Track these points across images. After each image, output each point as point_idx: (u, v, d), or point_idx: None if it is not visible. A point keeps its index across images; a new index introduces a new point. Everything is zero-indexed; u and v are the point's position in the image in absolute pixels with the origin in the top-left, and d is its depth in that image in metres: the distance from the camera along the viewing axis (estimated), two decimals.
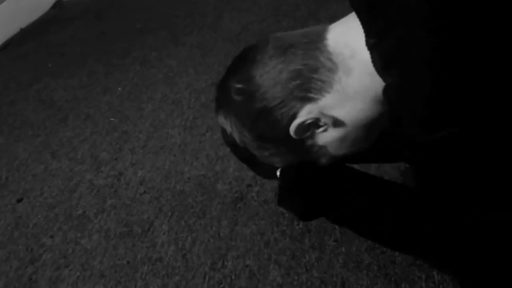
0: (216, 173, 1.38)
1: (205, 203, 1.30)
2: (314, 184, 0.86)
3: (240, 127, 0.79)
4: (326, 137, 0.78)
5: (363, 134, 0.77)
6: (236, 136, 0.81)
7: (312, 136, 0.78)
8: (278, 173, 0.90)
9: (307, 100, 0.73)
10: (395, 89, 0.63)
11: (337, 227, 1.15)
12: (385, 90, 0.65)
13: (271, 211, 1.22)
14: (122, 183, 1.44)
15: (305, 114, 0.74)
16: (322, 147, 0.79)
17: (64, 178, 1.51)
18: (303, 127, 0.75)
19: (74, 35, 2.47)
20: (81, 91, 1.98)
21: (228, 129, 0.82)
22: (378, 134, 0.81)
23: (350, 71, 0.71)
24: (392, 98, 0.64)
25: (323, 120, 0.75)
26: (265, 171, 0.93)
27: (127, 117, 1.74)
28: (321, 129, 0.77)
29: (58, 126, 1.77)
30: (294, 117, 0.75)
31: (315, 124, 0.76)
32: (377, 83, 0.67)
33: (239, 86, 0.77)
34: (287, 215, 1.20)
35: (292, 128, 0.75)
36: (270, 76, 0.73)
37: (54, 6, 2.88)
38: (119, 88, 1.93)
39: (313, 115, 0.74)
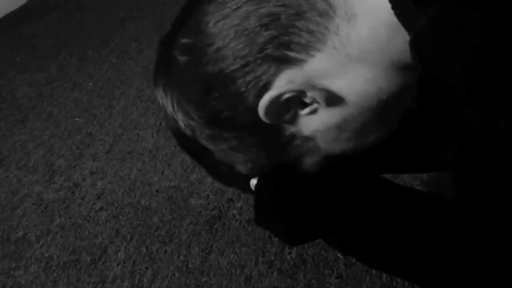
0: (190, 184, 1.10)
1: (173, 223, 1.02)
2: (303, 199, 0.57)
3: (185, 103, 0.52)
4: (315, 122, 0.50)
5: (373, 119, 0.49)
6: (179, 118, 0.53)
7: (294, 120, 0.50)
8: (252, 183, 0.61)
9: (285, 62, 0.46)
10: (439, 40, 0.34)
11: (341, 256, 0.86)
12: (416, 43, 0.37)
13: (256, 235, 0.94)
14: (76, 197, 1.16)
15: (282, 84, 0.47)
16: (309, 139, 0.52)
17: (8, 191, 1.23)
18: (278, 104, 0.48)
19: (50, 26, 2.21)
20: (48, 87, 1.71)
21: (169, 108, 0.54)
22: (399, 121, 0.53)
23: (354, 18, 0.43)
24: (430, 54, 0.36)
25: (310, 95, 0.47)
26: (228, 177, 0.64)
27: (95, 116, 1.47)
28: (307, 109, 0.49)
29: (14, 128, 1.50)
30: (265, 88, 0.47)
31: (297, 100, 0.48)
32: (398, 38, 0.40)
33: (185, 41, 0.50)
34: (277, 239, 0.91)
35: (262, 105, 0.48)
36: (230, 22, 0.46)
37: None
38: (90, 84, 1.66)
39: (295, 86, 0.47)
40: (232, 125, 0.51)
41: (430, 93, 0.42)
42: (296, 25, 0.44)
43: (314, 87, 0.46)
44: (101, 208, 1.12)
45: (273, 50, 0.45)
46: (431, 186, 1.02)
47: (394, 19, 0.39)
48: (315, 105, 0.48)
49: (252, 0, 0.45)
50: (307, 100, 0.48)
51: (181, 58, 0.50)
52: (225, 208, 1.02)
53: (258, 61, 0.46)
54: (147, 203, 1.09)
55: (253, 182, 0.59)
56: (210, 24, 0.47)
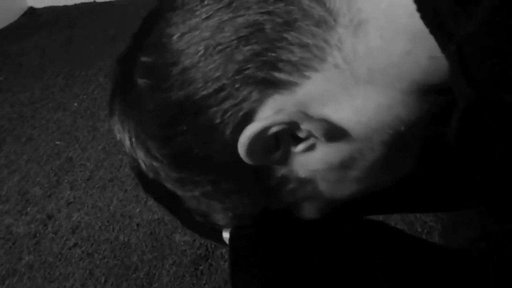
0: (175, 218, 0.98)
1: (154, 264, 0.90)
2: (289, 254, 0.46)
3: (146, 138, 0.40)
4: (313, 160, 0.39)
5: (389, 155, 0.38)
6: (140, 157, 0.42)
7: (285, 159, 0.39)
8: (225, 235, 0.49)
9: (272, 85, 0.35)
10: (498, 51, 0.23)
11: None
12: (461, 55, 0.26)
13: None
14: (48, 231, 1.04)
15: (269, 114, 0.36)
16: (306, 181, 0.40)
17: None
18: (264, 140, 0.37)
19: (38, 44, 2.11)
20: (30, 107, 1.60)
21: (127, 143, 0.42)
22: (421, 158, 0.41)
23: (362, 26, 0.32)
24: (484, 71, 0.25)
25: (305, 127, 0.36)
26: (202, 229, 0.52)
27: (77, 139, 1.36)
28: (302, 146, 0.38)
29: None
30: (246, 119, 0.36)
31: (289, 134, 0.37)
32: (421, 51, 0.30)
33: (145, 59, 0.38)
34: None
35: (243, 142, 0.36)
36: (199, 35, 0.36)
37: (25, 14, 2.54)
38: (75, 104, 1.55)
39: (286, 116, 0.36)
40: (205, 166, 0.40)
41: (478, 124, 0.30)
42: (285, 38, 0.34)
43: (310, 118, 0.35)
44: (75, 245, 1.00)
45: (255, 71, 0.35)
46: (446, 222, 0.90)
47: (417, 26, 0.28)
48: (311, 140, 0.37)
49: (227, 7, 0.34)
50: (301, 135, 0.36)
51: (141, 81, 0.38)
52: (213, 246, 0.90)
53: (237, 85, 0.35)
54: (126, 239, 0.97)
55: (226, 235, 0.48)
56: (175, 38, 0.36)
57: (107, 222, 1.03)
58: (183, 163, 0.40)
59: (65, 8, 2.49)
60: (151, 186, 0.44)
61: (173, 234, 0.95)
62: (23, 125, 1.50)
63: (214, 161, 0.38)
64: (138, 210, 1.04)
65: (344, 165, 0.38)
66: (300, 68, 0.34)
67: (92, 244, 0.99)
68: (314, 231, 0.48)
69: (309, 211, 0.44)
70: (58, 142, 1.37)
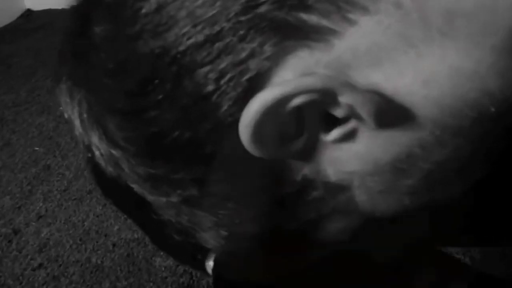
0: (144, 234, 0.84)
1: None
2: None
3: (102, 114, 0.27)
4: (351, 156, 0.26)
5: (465, 153, 0.26)
6: (94, 143, 0.29)
7: (309, 151, 0.26)
8: (209, 264, 0.35)
9: (297, 33, 0.23)
10: None
11: None
12: None
13: None
14: (12, 248, 0.91)
15: (290, 77, 0.24)
16: (338, 188, 0.27)
17: None
18: (280, 119, 0.24)
19: (31, 46, 2.01)
20: (13, 110, 1.48)
21: (76, 121, 0.29)
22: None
23: None
24: None
25: (345, 101, 0.23)
26: (180, 251, 0.38)
27: (58, 145, 1.23)
28: (337, 131, 0.25)
29: None
30: (254, 86, 0.24)
31: (319, 111, 0.24)
32: None
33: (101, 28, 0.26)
34: None
35: (247, 122, 0.24)
36: None
37: (22, 15, 2.45)
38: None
39: (316, 81, 0.23)
40: (189, 158, 0.27)
41: None
42: None
43: (353, 87, 0.23)
44: (40, 265, 0.86)
45: (271, 8, 0.23)
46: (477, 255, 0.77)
47: None
48: (352, 124, 0.24)
49: None
50: (337, 113, 0.24)
51: (98, 29, 0.26)
52: (198, 275, 0.75)
53: (241, 31, 0.23)
54: (99, 261, 0.83)
55: (210, 263, 0.33)
56: None
57: (80, 240, 0.89)
58: (157, 152, 0.27)
59: (63, 11, 2.39)
60: (111, 187, 0.31)
61: (153, 257, 0.81)
62: (2, 129, 1.37)
63: (202, 151, 0.26)
64: (116, 227, 0.90)
65: (397, 167, 0.25)
66: (342, 7, 0.22)
67: (60, 266, 0.85)
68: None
69: (333, 231, 0.31)
70: (37, 148, 1.24)
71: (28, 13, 2.48)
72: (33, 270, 0.85)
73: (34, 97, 1.54)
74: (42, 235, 0.93)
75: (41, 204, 1.02)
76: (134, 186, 0.28)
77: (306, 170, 0.26)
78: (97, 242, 0.88)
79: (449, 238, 0.51)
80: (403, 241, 0.46)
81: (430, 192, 0.28)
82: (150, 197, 0.29)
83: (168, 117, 0.25)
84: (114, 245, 0.86)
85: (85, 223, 0.93)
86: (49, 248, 0.89)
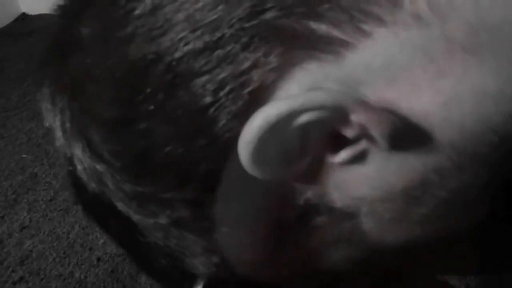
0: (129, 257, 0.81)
1: None
2: None
3: (86, 124, 0.26)
4: (360, 180, 0.23)
5: (484, 180, 0.24)
6: (76, 154, 0.28)
7: (313, 174, 0.23)
8: None
9: (306, 44, 0.21)
10: None
11: None
12: None
13: None
14: None
15: (296, 91, 0.22)
16: (344, 215, 0.25)
17: None
18: (284, 137, 0.22)
19: (25, 50, 1.98)
20: (3, 115, 1.45)
21: (58, 131, 0.29)
22: None
23: None
24: None
25: (356, 120, 0.21)
26: (163, 276, 0.34)
27: (47, 153, 1.20)
28: (346, 153, 0.23)
29: None
30: (256, 100, 0.22)
31: (325, 130, 0.22)
32: None
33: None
34: None
35: (248, 139, 0.22)
36: None
37: (17, 19, 2.43)
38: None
39: (326, 97, 0.21)
40: (181, 176, 0.24)
41: None
42: None
43: (366, 105, 0.21)
44: (21, 279, 0.82)
45: (278, 15, 0.21)
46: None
47: None
48: (363, 145, 0.23)
49: None
50: (348, 133, 0.22)
51: (85, 31, 0.25)
52: None
53: (244, 38, 0.21)
54: (82, 276, 0.80)
55: None
56: None
57: (63, 253, 0.86)
58: (145, 168, 0.25)
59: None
60: (93, 204, 0.29)
61: (139, 274, 0.78)
62: None
63: (196, 169, 0.23)
64: (101, 241, 0.87)
65: (409, 194, 0.23)
66: (355, 16, 0.20)
67: (42, 280, 0.81)
68: None
69: (337, 260, 0.29)
70: (25, 156, 1.20)
71: (23, 16, 2.47)
72: (14, 283, 0.82)
73: (25, 103, 1.51)
74: (25, 246, 0.90)
75: (25, 214, 0.98)
76: (119, 205, 0.26)
77: (309, 193, 0.24)
78: (81, 255, 0.85)
79: (451, 267, 0.49)
80: (402, 265, 0.44)
81: (443, 222, 0.26)
82: (136, 217, 0.26)
83: (160, 130, 0.22)
84: (98, 259, 0.83)
85: (70, 235, 0.90)
86: (31, 261, 0.86)
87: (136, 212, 0.26)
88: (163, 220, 0.25)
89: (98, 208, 0.28)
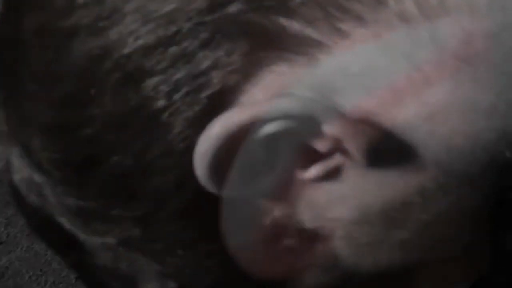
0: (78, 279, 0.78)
1: None
2: None
3: (23, 126, 0.22)
4: (333, 202, 0.21)
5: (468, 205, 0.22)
6: (13, 161, 0.23)
7: (281, 191, 0.21)
8: None
9: (275, 43, 0.19)
10: None
11: None
12: None
13: None
14: None
15: (262, 97, 0.19)
16: (314, 238, 0.22)
17: None
18: (247, 149, 0.19)
19: None
20: None
21: None
22: None
23: None
24: None
25: (330, 132, 0.18)
26: None
27: None
28: (317, 169, 0.20)
29: None
30: (216, 106, 0.19)
31: (294, 142, 0.19)
32: None
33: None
34: None
35: (204, 150, 0.19)
36: None
37: None
38: None
39: (295, 105, 0.18)
40: (131, 189, 0.22)
41: None
42: None
43: (341, 116, 0.19)
44: None
45: (244, 10, 0.19)
46: None
47: None
48: (337, 159, 0.20)
49: None
50: (319, 146, 0.20)
51: (28, 21, 0.22)
52: None
53: (204, 34, 0.19)
54: None
55: None
56: None
57: (40, 271, 0.84)
58: (90, 180, 0.22)
59: None
60: (35, 219, 0.26)
61: None
62: None
63: (147, 182, 0.21)
64: None
65: (389, 216, 0.21)
66: (332, 13, 0.19)
67: None
68: None
69: (307, 287, 0.26)
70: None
71: None
72: None
73: None
74: (1, 263, 0.87)
75: (2, 229, 0.96)
76: (62, 221, 0.23)
77: (276, 212, 0.21)
78: (59, 274, 0.82)
79: None
80: None
81: (425, 248, 0.24)
82: (81, 236, 0.23)
83: (105, 138, 0.20)
84: (76, 278, 0.80)
85: (48, 252, 0.87)
86: (7, 278, 0.84)
87: (82, 230, 0.23)
88: (111, 239, 0.23)
89: (40, 224, 0.26)
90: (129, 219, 0.22)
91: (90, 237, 0.24)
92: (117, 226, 0.22)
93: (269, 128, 0.19)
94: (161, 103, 0.19)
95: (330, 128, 0.19)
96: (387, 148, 0.19)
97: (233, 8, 0.18)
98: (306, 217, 0.21)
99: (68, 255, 0.27)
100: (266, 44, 0.19)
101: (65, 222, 0.23)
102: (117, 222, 0.22)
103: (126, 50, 0.18)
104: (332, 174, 0.20)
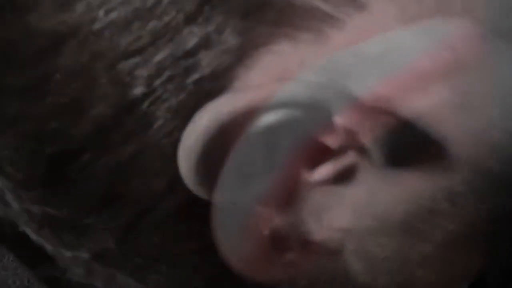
0: None
1: None
2: None
3: None
4: (345, 209, 0.18)
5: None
6: None
7: (287, 196, 0.17)
8: None
9: (269, 12, 0.16)
10: None
11: None
12: None
13: None
14: None
15: (260, 79, 0.16)
16: (323, 252, 0.19)
17: None
18: (245, 141, 0.16)
19: None
20: None
21: None
22: None
23: None
24: None
25: (342, 122, 0.16)
26: None
27: None
28: (326, 170, 0.17)
29: None
30: (202, 91, 0.16)
31: (301, 134, 0.16)
32: None
33: None
34: None
35: (190, 145, 0.16)
36: None
37: None
38: None
39: (299, 89, 0.16)
40: (106, 193, 0.19)
41: None
42: None
43: (356, 104, 0.17)
44: None
45: None
46: None
47: None
48: (351, 157, 0.17)
49: None
50: (329, 141, 0.17)
51: None
52: None
53: (190, 6, 0.16)
54: None
55: None
56: None
57: (28, 281, 0.81)
58: (58, 184, 0.19)
59: None
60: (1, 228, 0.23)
61: None
62: None
63: (124, 185, 0.18)
64: None
65: (412, 226, 0.18)
66: None
67: None
68: None
69: None
70: None
71: None
72: None
73: None
74: None
75: None
76: (28, 231, 0.20)
77: (278, 221, 0.18)
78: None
79: None
80: None
81: (450, 264, 0.21)
82: (50, 249, 0.21)
83: (73, 133, 0.17)
84: None
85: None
86: None
87: (50, 242, 0.21)
88: (83, 253, 0.20)
89: (5, 235, 0.23)
90: (104, 230, 0.19)
91: (59, 250, 0.21)
92: (90, 238, 0.19)
93: (268, 119, 0.16)
94: (138, 90, 0.16)
95: (343, 119, 0.16)
96: (410, 143, 0.16)
97: None
98: (312, 227, 0.18)
99: (37, 269, 0.25)
100: (264, 18, 0.16)
101: (31, 232, 0.21)
102: (90, 233, 0.19)
103: (96, 26, 0.16)
104: (344, 176, 0.17)
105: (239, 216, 0.18)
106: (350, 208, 0.18)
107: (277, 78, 0.16)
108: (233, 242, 0.19)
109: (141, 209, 0.18)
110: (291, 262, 0.20)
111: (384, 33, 0.16)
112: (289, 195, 0.18)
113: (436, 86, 0.16)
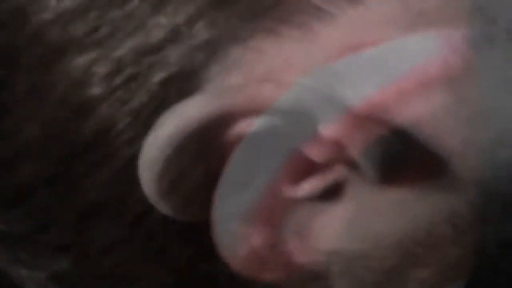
0: None
1: None
2: None
3: None
4: (331, 228, 0.16)
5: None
6: None
7: (267, 213, 0.16)
8: None
9: (251, 3, 0.14)
10: None
11: None
12: None
13: None
14: None
15: (237, 79, 0.14)
16: (309, 276, 0.17)
17: None
18: (217, 151, 0.14)
19: None
20: None
21: None
22: None
23: None
24: None
25: (330, 133, 0.14)
26: None
27: None
28: (310, 185, 0.15)
29: None
30: (173, 96, 0.14)
31: (283, 146, 0.15)
32: None
33: None
34: None
35: (156, 156, 0.14)
36: None
37: None
38: None
39: (287, 96, 0.14)
40: (62, 206, 0.17)
41: None
42: None
43: (349, 113, 0.15)
44: None
45: None
46: None
47: None
48: (339, 172, 0.15)
49: None
50: (315, 153, 0.15)
51: None
52: None
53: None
54: None
55: None
56: None
57: None
58: (6, 195, 0.18)
59: None
60: None
61: None
62: None
63: (79, 199, 0.16)
64: None
65: (409, 249, 0.17)
66: None
67: None
68: None
69: None
70: None
71: None
72: None
73: None
74: None
75: None
76: None
77: (256, 241, 0.17)
78: None
79: None
80: None
81: (445, 284, 0.19)
82: (4, 266, 0.19)
83: (21, 136, 0.15)
84: None
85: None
86: None
87: (5, 260, 0.19)
88: (39, 272, 0.18)
89: None
90: (59, 248, 0.17)
91: (14, 269, 0.20)
92: (45, 257, 0.18)
93: (246, 127, 0.14)
94: (95, 90, 0.14)
95: (330, 129, 0.14)
96: (405, 157, 0.15)
97: None
98: (294, 247, 0.17)
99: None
100: (244, 10, 0.14)
101: None
102: (44, 251, 0.17)
103: (47, 15, 0.14)
104: (330, 192, 0.15)
105: (214, 235, 0.17)
106: (337, 228, 0.16)
107: (258, 80, 0.14)
108: (228, 250, 0.17)
109: (99, 222, 0.16)
110: (273, 286, 0.18)
111: (381, 32, 0.15)
112: (271, 212, 0.16)
113: (435, 94, 0.15)
